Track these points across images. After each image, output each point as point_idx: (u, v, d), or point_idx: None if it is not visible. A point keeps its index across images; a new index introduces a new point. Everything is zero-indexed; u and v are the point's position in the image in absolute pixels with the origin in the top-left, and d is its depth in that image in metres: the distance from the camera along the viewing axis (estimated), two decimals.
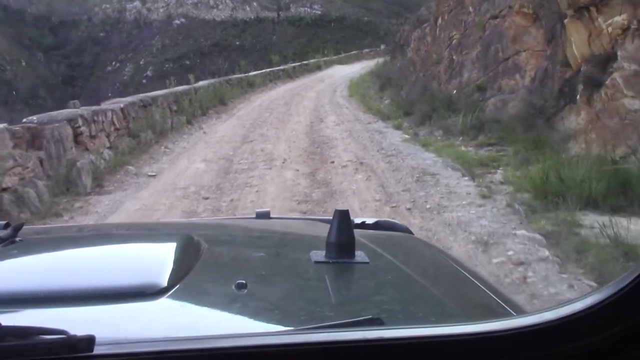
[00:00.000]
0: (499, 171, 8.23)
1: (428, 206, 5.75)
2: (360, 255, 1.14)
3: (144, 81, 50.50)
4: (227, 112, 14.40)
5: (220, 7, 59.17)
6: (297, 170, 7.73)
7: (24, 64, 55.47)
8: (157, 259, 1.12)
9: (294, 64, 27.59)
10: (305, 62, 29.46)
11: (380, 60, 29.10)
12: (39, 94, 53.27)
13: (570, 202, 5.51)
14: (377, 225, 1.69)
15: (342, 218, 1.12)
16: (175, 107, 11.69)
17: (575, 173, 6.44)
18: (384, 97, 19.17)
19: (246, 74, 20.29)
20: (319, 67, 29.50)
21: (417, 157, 8.28)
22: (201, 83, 14.92)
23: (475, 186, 6.59)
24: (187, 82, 16.84)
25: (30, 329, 0.67)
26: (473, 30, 13.72)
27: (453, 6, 17.33)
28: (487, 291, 1.17)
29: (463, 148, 10.30)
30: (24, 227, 1.33)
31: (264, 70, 23.28)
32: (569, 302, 0.70)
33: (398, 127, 11.76)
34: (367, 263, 1.13)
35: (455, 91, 13.62)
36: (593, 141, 8.08)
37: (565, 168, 6.71)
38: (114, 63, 58.00)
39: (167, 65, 54.67)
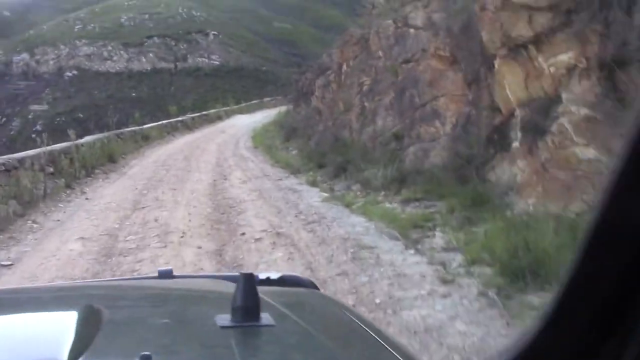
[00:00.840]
0: (437, 233, 6.95)
1: (377, 300, 4.22)
2: (265, 318, 1.08)
3: (34, 135, 47.02)
4: (117, 171, 12.44)
5: (115, 58, 56.74)
6: (200, 247, 6.04)
7: None
8: (55, 332, 1.01)
9: (192, 115, 25.75)
10: (204, 112, 27.64)
11: (283, 108, 27.89)
12: None
13: (552, 280, 4.20)
14: (282, 280, 1.58)
15: (247, 281, 1.06)
16: (51, 169, 9.69)
17: (540, 240, 5.20)
18: (290, 148, 17.82)
19: (141, 127, 18.30)
20: (219, 118, 27.78)
21: (345, 223, 6.79)
22: (86, 138, 12.88)
23: (427, 263, 5.15)
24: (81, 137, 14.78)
25: None
26: (385, 75, 12.65)
27: (359, 52, 16.41)
28: (391, 350, 1.15)
29: (388, 205, 9.02)
30: None
31: (160, 122, 21.29)
32: None
33: (313, 183, 10.29)
34: (273, 326, 1.08)
35: (369, 140, 12.40)
36: (541, 196, 6.94)
37: (524, 232, 5.49)
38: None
39: (58, 119, 51.72)
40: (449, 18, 11.12)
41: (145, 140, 17.58)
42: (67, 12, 64.55)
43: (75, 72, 55.50)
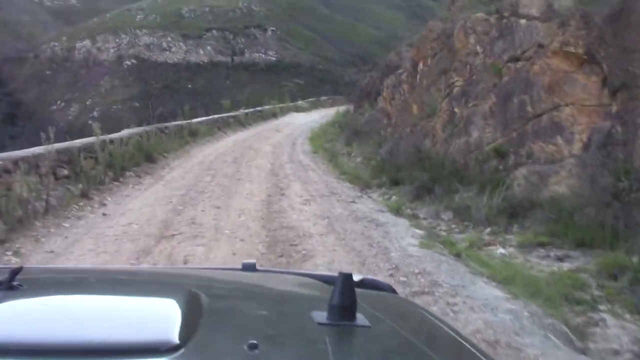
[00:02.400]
0: (606, 317, 4.34)
1: None
2: (360, 318, 1.05)
3: (90, 122, 46.14)
4: (153, 174, 10.04)
5: (174, 49, 55.24)
6: None
7: None
8: (163, 314, 1.00)
9: (246, 110, 23.33)
10: (259, 108, 25.18)
11: (342, 108, 25.31)
12: None
13: None
14: (361, 283, 1.49)
15: (346, 280, 1.03)
16: (65, 172, 7.34)
17: None
18: (353, 154, 15.25)
19: (189, 121, 15.94)
20: (274, 115, 25.27)
21: (474, 298, 4.14)
22: (122, 133, 10.55)
23: None
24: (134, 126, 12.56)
25: None
26: (483, 75, 9.95)
27: (439, 49, 13.72)
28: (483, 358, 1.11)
29: (502, 250, 6.44)
30: (23, 268, 1.14)
31: (211, 117, 18.89)
32: None
33: (397, 211, 7.68)
34: (369, 327, 1.05)
35: (460, 155, 9.72)
36: None
37: None
38: (59, 102, 53.17)
39: (114, 107, 50.81)
40: (586, 3, 8.37)
41: (192, 136, 15.20)
42: (131, 2, 63.57)
43: (134, 61, 54.18)
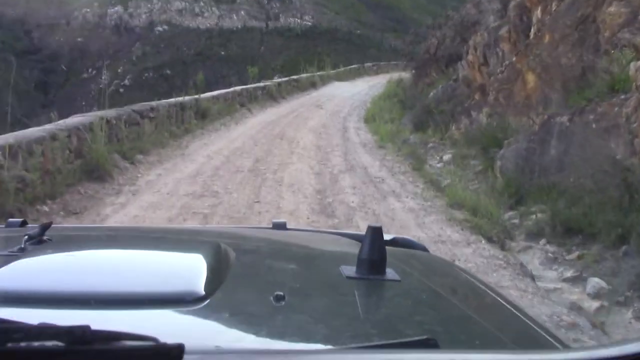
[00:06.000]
0: None
1: None
2: (390, 273, 0.96)
3: (121, 90, 41.57)
4: (84, 214, 4.75)
5: (206, 14, 50.09)
6: None
7: None
8: (190, 266, 0.94)
9: (279, 80, 17.70)
10: (294, 77, 19.45)
11: (394, 76, 19.57)
12: (7, 100, 43.67)
13: None
14: (394, 242, 1.36)
15: (375, 234, 0.95)
16: None
17: None
18: (430, 144, 9.74)
19: (196, 97, 10.45)
20: (313, 85, 19.44)
21: None
22: (34, 130, 5.14)
23: None
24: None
25: (119, 334, 0.57)
26: None
27: None
28: (524, 319, 0.99)
29: None
30: (52, 226, 1.09)
31: (232, 89, 13.31)
32: (627, 340, 0.58)
33: None
34: (399, 281, 0.97)
35: None
36: None
37: None
38: (90, 70, 48.62)
39: (146, 74, 46.14)
40: None
41: (201, 119, 9.82)
42: None
43: (165, 27, 49.23)
